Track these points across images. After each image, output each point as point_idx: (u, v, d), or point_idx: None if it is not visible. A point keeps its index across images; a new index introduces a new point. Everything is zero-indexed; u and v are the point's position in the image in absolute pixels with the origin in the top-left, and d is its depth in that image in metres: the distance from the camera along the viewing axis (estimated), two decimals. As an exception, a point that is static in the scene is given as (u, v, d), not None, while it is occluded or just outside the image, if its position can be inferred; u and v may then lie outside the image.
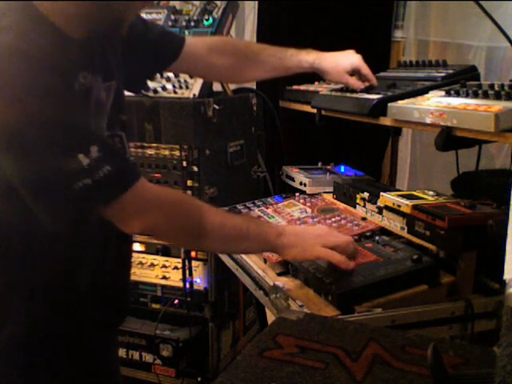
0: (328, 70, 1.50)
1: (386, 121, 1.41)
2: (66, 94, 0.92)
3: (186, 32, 1.97)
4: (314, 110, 1.74)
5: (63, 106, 0.90)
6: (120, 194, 0.95)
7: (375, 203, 1.43)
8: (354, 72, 1.53)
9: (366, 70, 1.53)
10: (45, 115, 0.88)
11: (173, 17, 2.05)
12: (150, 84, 1.88)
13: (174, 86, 1.88)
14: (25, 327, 1.04)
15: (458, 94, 1.27)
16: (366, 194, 1.49)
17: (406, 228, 1.30)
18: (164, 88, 1.88)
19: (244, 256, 1.41)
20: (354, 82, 1.53)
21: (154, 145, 1.88)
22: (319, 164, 1.95)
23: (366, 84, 1.54)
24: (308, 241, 1.15)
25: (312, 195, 1.72)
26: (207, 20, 1.98)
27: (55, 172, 0.89)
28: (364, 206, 1.49)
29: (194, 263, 1.92)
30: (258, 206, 1.69)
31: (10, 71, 0.87)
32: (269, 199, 1.76)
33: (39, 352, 1.05)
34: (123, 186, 0.96)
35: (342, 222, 1.45)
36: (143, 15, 2.02)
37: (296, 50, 1.50)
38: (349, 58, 1.51)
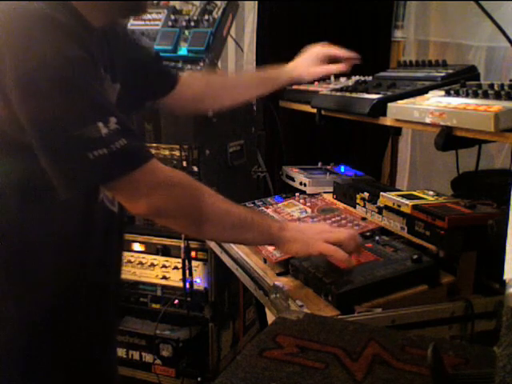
0: (302, 75, 1.52)
1: (386, 121, 1.41)
2: (90, 64, 0.93)
3: (186, 32, 1.97)
4: (314, 110, 1.74)
5: (87, 74, 0.92)
6: (133, 168, 0.95)
7: (375, 203, 1.43)
8: (328, 59, 1.53)
9: (334, 51, 1.54)
10: (68, 79, 0.89)
11: (173, 17, 2.05)
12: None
13: (173, 86, 1.88)
14: (24, 328, 1.04)
15: (457, 94, 1.27)
16: (365, 194, 1.49)
17: (405, 228, 1.30)
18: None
19: (244, 256, 1.41)
20: (330, 67, 1.53)
21: (154, 145, 1.88)
22: (319, 164, 1.95)
23: (348, 63, 1.54)
24: (310, 236, 1.14)
25: (312, 195, 1.72)
26: (207, 20, 1.98)
27: (74, 137, 0.89)
28: (364, 206, 1.49)
29: (194, 263, 1.92)
30: (258, 206, 1.69)
31: (37, 33, 0.89)
32: (269, 199, 1.76)
33: (39, 352, 1.05)
34: (137, 162, 0.96)
35: (342, 222, 1.45)
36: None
37: (274, 66, 1.52)
38: (310, 53, 1.53)
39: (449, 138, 1.18)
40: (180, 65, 1.90)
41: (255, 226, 1.11)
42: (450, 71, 1.49)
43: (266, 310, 1.28)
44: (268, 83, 1.53)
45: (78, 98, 0.91)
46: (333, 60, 1.54)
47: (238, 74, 1.49)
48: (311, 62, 1.51)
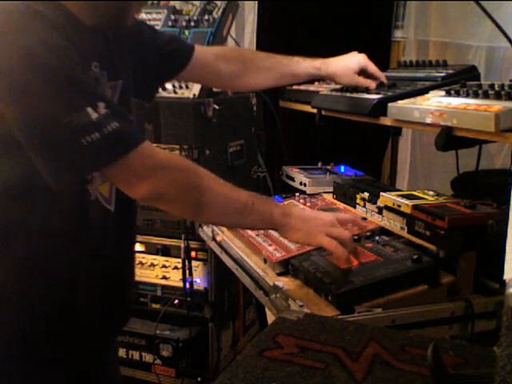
0: (337, 73, 1.50)
1: (386, 121, 1.41)
2: (73, 53, 0.93)
3: (186, 32, 1.97)
4: (314, 110, 1.74)
5: (71, 62, 0.91)
6: (128, 151, 0.95)
7: (375, 203, 1.43)
8: (362, 71, 1.52)
9: (372, 67, 1.53)
10: (52, 67, 0.89)
11: (173, 17, 2.05)
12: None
13: (174, 86, 1.88)
14: (24, 328, 1.04)
15: (458, 94, 1.27)
16: (366, 194, 1.49)
17: (405, 228, 1.30)
18: (164, 88, 1.88)
19: (244, 256, 1.41)
20: (364, 81, 1.52)
21: (154, 145, 1.87)
22: (319, 164, 1.95)
23: (376, 82, 1.53)
24: (313, 227, 1.13)
25: (312, 195, 1.72)
26: (207, 20, 1.98)
27: (64, 125, 0.89)
28: (364, 206, 1.49)
29: (194, 263, 1.92)
30: (258, 206, 1.68)
31: (20, 25, 0.89)
32: (269, 199, 1.76)
33: (38, 352, 1.05)
34: (131, 144, 0.95)
35: (342, 222, 1.45)
36: (143, 15, 2.03)
37: (302, 57, 1.50)
38: (354, 58, 1.51)
39: (449, 138, 1.18)
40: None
41: (255, 212, 1.10)
42: (451, 71, 1.49)
43: (266, 310, 1.28)
44: (296, 76, 1.53)
45: (64, 86, 0.90)
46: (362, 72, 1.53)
47: (281, 57, 1.48)
48: (353, 68, 1.50)
